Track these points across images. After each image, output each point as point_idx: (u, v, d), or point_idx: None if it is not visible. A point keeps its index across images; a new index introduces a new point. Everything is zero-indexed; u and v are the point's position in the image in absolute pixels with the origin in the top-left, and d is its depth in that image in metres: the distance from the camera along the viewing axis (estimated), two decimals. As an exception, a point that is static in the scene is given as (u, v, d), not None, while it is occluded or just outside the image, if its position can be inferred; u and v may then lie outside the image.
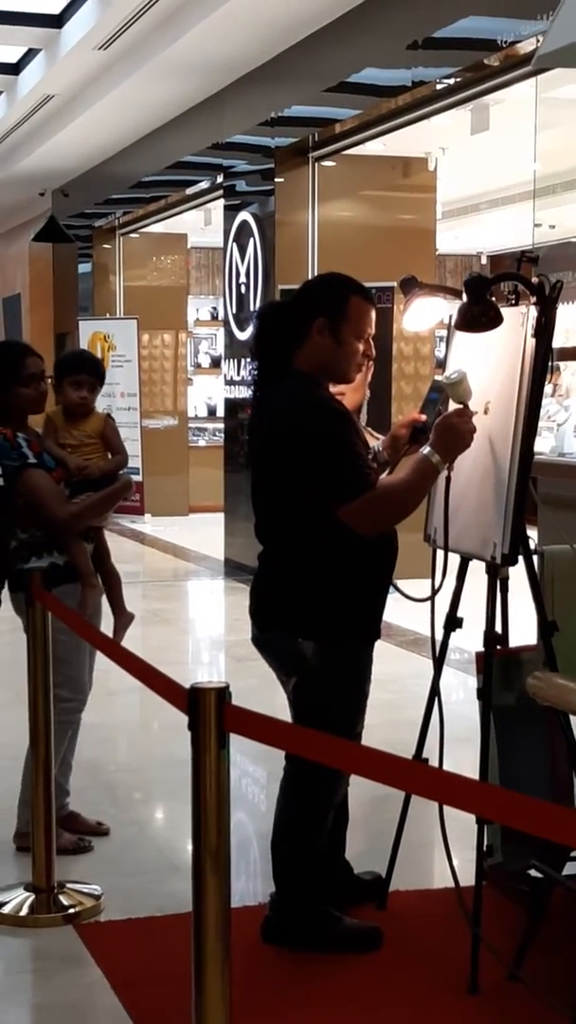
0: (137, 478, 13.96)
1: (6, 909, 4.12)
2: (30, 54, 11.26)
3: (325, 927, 3.85)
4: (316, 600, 3.75)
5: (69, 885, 4.26)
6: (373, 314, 3.86)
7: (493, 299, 3.74)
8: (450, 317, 4.00)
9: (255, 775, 5.38)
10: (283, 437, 3.77)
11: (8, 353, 4.68)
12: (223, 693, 2.61)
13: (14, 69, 11.67)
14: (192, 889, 2.63)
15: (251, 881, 4.25)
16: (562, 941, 3.62)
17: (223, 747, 2.61)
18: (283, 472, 3.78)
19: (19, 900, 4.16)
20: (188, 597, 10.68)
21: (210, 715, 2.59)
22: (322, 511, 3.67)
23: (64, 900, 4.17)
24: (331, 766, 3.41)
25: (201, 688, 2.61)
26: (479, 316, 3.71)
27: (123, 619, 4.90)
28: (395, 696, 5.49)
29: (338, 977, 3.69)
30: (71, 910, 4.13)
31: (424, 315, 4.28)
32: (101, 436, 4.98)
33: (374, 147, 9.93)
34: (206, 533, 12.46)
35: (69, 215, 15.81)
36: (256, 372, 4.09)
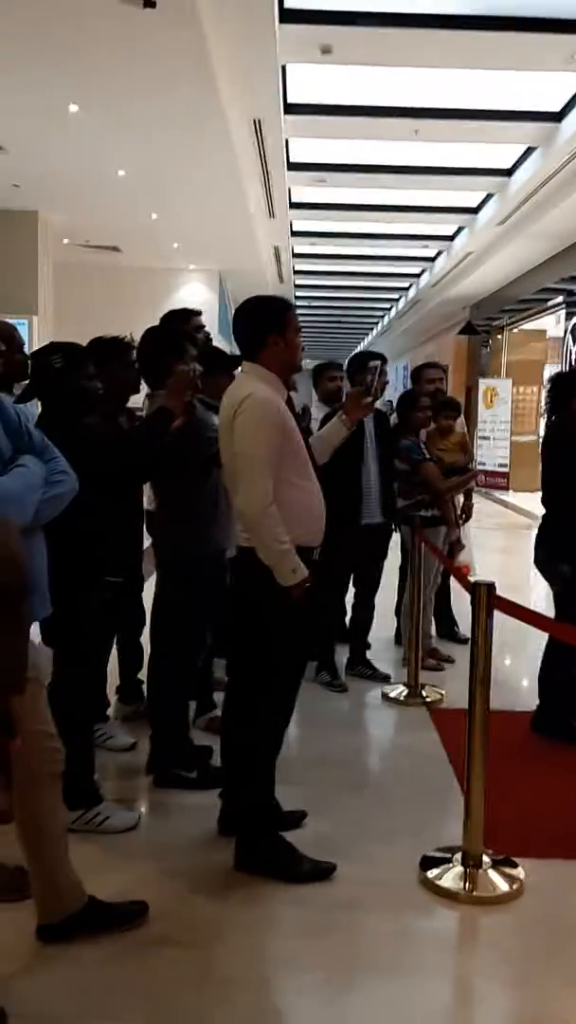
0: (505, 468, 13.74)
1: (393, 694, 4.28)
2: (459, 231, 11.16)
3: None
4: None
5: (428, 686, 4.34)
6: None
7: None
8: None
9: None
10: None
11: (408, 398, 4.76)
12: (492, 587, 2.62)
13: (450, 238, 11.59)
14: (467, 694, 2.68)
15: (515, 696, 4.17)
16: None
17: (489, 616, 2.63)
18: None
19: (399, 692, 4.31)
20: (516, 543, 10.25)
21: (483, 599, 2.62)
22: None
23: (424, 694, 4.26)
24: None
25: (479, 583, 2.64)
26: None
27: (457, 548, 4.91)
28: None
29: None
30: (427, 700, 4.22)
31: None
32: (460, 444, 4.99)
33: None
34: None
35: (478, 320, 15.52)
36: None
